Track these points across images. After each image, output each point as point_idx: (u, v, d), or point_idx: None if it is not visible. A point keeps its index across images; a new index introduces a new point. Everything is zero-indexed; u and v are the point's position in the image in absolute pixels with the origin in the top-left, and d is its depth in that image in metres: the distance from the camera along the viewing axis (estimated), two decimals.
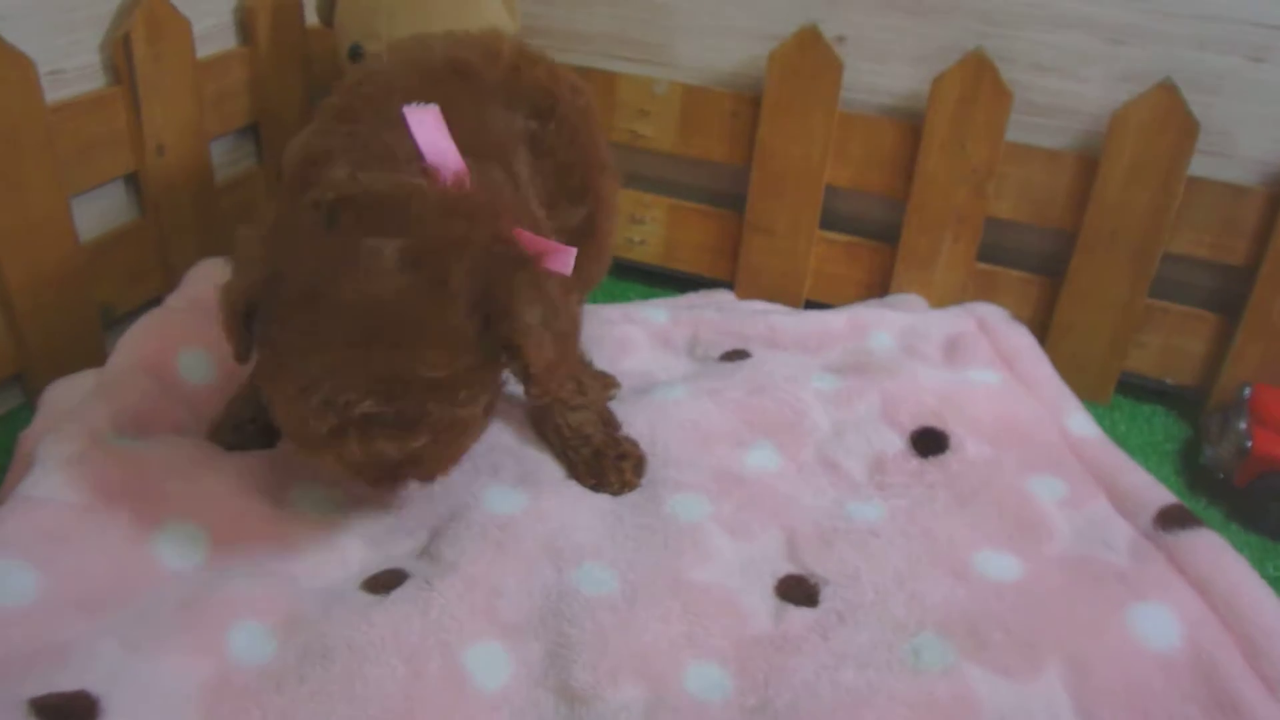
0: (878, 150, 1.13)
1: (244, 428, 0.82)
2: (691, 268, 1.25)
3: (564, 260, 0.67)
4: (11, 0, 0.86)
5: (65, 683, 0.59)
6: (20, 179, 0.87)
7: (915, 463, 0.89)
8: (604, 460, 0.82)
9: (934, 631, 0.71)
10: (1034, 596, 0.74)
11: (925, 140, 1.10)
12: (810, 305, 1.20)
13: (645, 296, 1.21)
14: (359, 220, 0.62)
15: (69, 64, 0.93)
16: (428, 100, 0.69)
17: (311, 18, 1.18)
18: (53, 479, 0.70)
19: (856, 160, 1.14)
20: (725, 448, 0.88)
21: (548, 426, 0.85)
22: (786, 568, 0.77)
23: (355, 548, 0.76)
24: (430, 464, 0.67)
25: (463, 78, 0.75)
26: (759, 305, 1.18)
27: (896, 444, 0.90)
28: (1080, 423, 0.95)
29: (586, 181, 0.83)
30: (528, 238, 0.66)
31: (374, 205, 0.62)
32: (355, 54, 1.03)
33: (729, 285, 1.23)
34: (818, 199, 1.16)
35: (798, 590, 0.75)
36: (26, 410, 0.87)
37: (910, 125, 1.11)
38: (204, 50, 1.05)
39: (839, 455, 0.89)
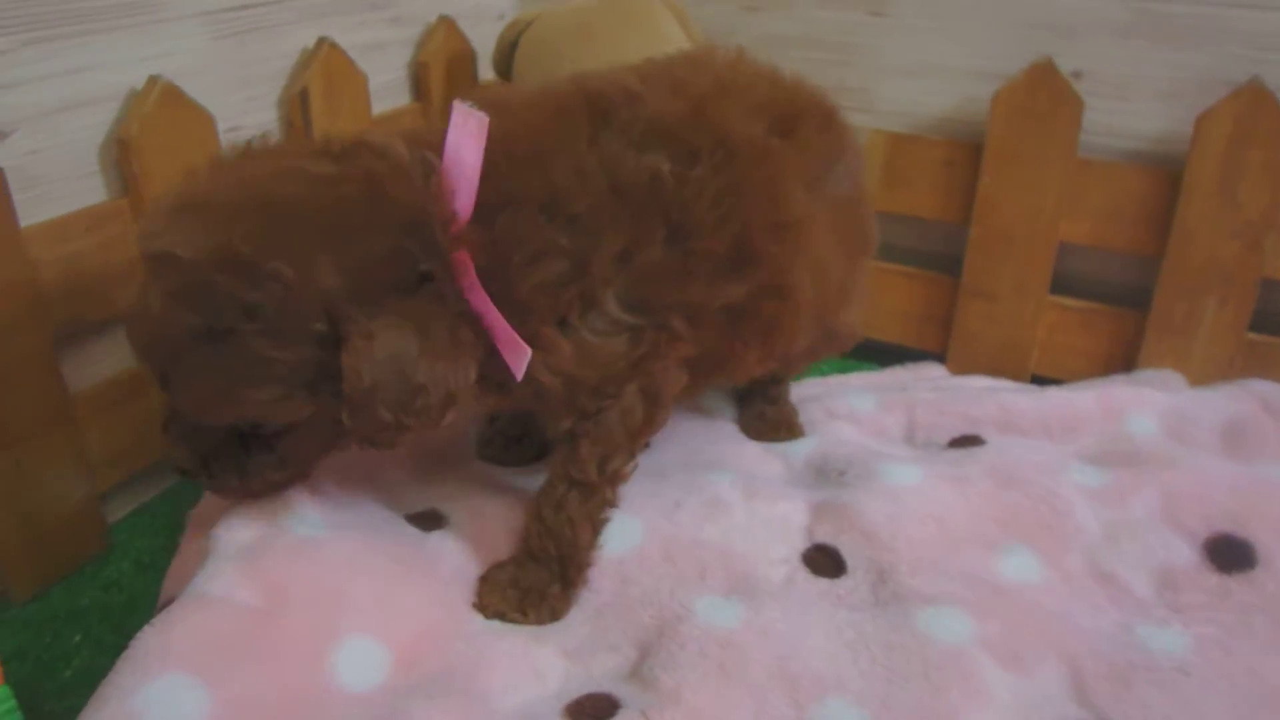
0: (1123, 201, 0.98)
1: (512, 446, 0.82)
2: (896, 337, 1.11)
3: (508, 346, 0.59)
4: (193, 56, 0.84)
5: None
6: None
7: (1215, 578, 0.72)
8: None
9: None
10: None
11: (1186, 188, 0.94)
12: (1037, 380, 1.04)
13: (842, 370, 1.07)
14: None
15: (247, 120, 0.90)
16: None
17: (485, 72, 1.14)
18: (227, 574, 0.61)
19: (1096, 213, 1.00)
20: (976, 550, 0.73)
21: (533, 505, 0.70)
22: (1077, 713, 0.61)
23: (553, 661, 0.65)
24: None
25: (594, 114, 0.64)
26: (980, 381, 1.02)
27: (1186, 553, 0.74)
28: None
29: (747, 245, 0.65)
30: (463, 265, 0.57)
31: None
32: None
33: (939, 357, 1.08)
34: (1049, 258, 1.01)
35: None
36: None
37: (1163, 171, 0.96)
38: (378, 106, 1.02)
39: (1115, 565, 0.73)
